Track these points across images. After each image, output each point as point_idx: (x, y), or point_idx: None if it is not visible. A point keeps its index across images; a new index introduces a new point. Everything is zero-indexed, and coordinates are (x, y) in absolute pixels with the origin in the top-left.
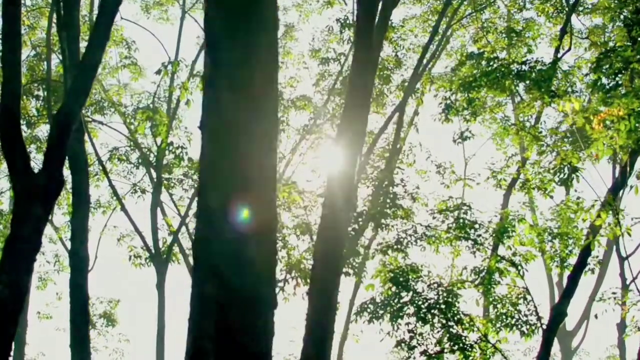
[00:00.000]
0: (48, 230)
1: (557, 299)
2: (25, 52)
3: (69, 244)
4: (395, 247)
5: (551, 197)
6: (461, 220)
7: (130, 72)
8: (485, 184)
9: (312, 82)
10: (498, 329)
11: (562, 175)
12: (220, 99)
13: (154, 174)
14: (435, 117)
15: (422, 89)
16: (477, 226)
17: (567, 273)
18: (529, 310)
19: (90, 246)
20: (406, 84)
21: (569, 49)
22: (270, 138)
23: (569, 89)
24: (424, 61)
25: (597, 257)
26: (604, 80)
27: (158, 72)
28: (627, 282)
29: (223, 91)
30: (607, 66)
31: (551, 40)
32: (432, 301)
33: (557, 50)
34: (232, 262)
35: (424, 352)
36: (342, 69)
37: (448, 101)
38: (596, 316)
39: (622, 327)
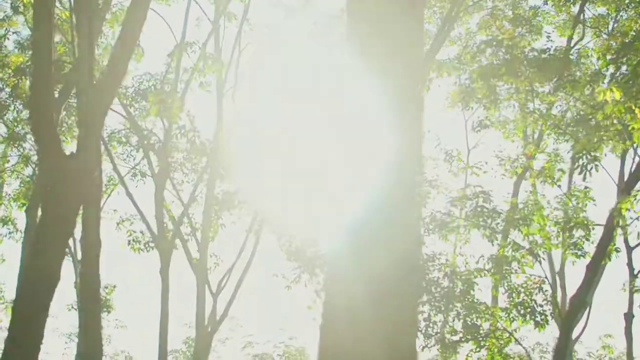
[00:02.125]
0: None
1: (559, 289)
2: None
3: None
4: None
5: (558, 185)
6: (479, 209)
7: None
8: (492, 172)
9: None
10: (513, 318)
11: (582, 163)
12: None
13: (152, 158)
14: (447, 104)
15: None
16: (495, 215)
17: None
18: (544, 300)
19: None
20: None
21: (582, 38)
22: None
23: (586, 77)
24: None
25: (614, 245)
26: (623, 69)
27: (170, 54)
28: (635, 272)
29: None
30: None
31: (557, 28)
32: (446, 289)
33: (569, 40)
34: None
35: (440, 341)
36: None
37: (468, 89)
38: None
39: (629, 317)
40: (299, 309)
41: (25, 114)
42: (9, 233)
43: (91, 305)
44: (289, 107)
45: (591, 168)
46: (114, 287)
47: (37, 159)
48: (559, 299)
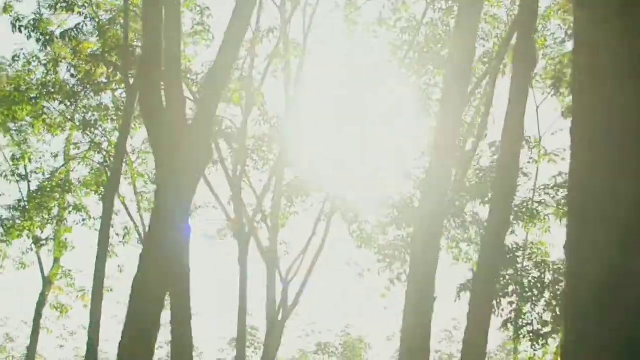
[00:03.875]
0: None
1: None
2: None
3: (136, 215)
4: None
5: None
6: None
7: (202, 39)
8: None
9: None
10: None
11: None
12: None
13: (223, 145)
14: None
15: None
16: None
17: None
18: None
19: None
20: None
21: None
22: None
23: None
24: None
25: None
26: None
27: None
28: None
29: None
30: None
31: None
32: (536, 279)
33: None
34: None
35: (534, 333)
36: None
37: (559, 73)
38: None
39: None
40: (367, 297)
41: (96, 100)
42: (82, 220)
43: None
44: (355, 92)
45: None
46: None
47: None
48: None
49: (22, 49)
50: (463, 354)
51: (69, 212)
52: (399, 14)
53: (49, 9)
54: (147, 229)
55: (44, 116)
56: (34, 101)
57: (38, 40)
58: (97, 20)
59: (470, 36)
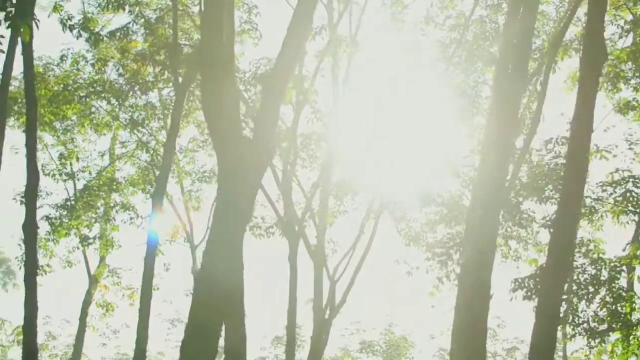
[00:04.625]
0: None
1: None
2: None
3: (184, 215)
4: None
5: None
6: (628, 194)
7: (249, 37)
8: (621, 156)
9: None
10: None
11: None
12: None
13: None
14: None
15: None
16: None
17: None
18: None
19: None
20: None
21: None
22: None
23: None
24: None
25: None
26: None
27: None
28: None
29: None
30: None
31: None
32: (592, 276)
33: None
34: None
35: (589, 330)
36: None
37: (616, 69)
38: None
39: None
40: (413, 296)
41: (143, 99)
42: (130, 219)
43: None
44: (403, 90)
45: None
46: None
47: (211, 142)
48: None
49: (68, 49)
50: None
51: (117, 211)
52: (446, 12)
53: (99, 8)
54: (193, 227)
55: (92, 115)
56: (83, 100)
57: (88, 40)
58: (145, 19)
59: (527, 33)
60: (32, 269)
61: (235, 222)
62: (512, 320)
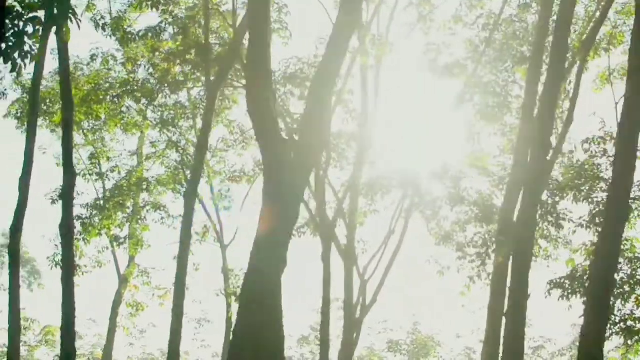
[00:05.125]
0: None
1: None
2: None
3: (214, 215)
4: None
5: None
6: None
7: (279, 37)
8: None
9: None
10: None
11: None
12: None
13: None
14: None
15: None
16: None
17: None
18: None
19: (229, 216)
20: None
21: None
22: None
23: None
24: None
25: None
26: None
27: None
28: None
29: None
30: None
31: None
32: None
33: None
34: None
35: (625, 329)
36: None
37: None
38: None
39: None
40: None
41: (173, 99)
42: (161, 219)
43: None
44: (432, 90)
45: None
46: None
47: (258, 141)
48: None
49: (97, 48)
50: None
51: (147, 211)
52: (475, 12)
53: (130, 7)
54: (222, 226)
55: (121, 115)
56: (116, 100)
57: (121, 39)
58: (178, 18)
59: (564, 32)
60: (69, 270)
61: (282, 222)
62: (538, 319)
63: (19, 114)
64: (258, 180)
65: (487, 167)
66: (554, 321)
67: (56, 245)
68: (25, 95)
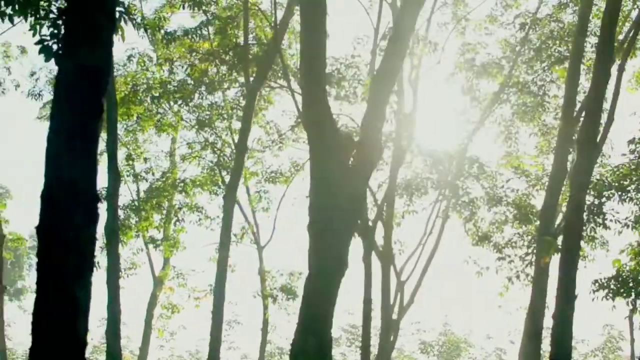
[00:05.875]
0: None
1: None
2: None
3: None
4: None
5: None
6: None
7: None
8: None
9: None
10: None
11: None
12: None
13: None
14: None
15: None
16: None
17: None
18: None
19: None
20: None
21: None
22: None
23: None
24: None
25: None
26: None
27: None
28: None
29: None
30: None
31: None
32: None
33: None
34: None
35: None
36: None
37: None
38: None
39: None
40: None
41: (209, 99)
42: (198, 220)
43: None
44: (468, 90)
45: None
46: (300, 274)
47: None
48: None
49: (133, 48)
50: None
51: (184, 212)
52: (510, 11)
53: (169, 7)
54: (259, 227)
55: (158, 115)
56: (156, 101)
57: (162, 39)
58: (217, 18)
59: (611, 32)
60: (116, 272)
61: (342, 224)
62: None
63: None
64: (294, 181)
65: (524, 167)
66: (587, 321)
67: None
68: None
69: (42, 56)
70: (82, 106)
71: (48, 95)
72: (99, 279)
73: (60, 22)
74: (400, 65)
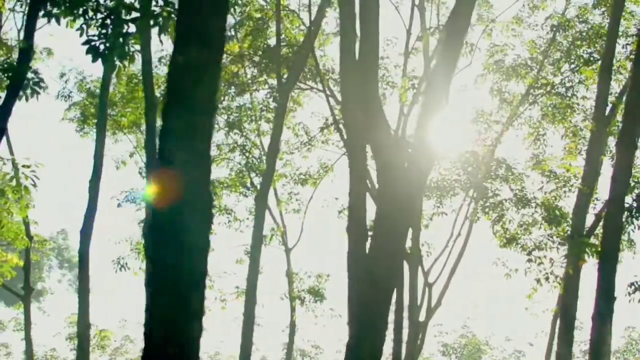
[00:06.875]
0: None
1: None
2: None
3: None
4: None
5: None
6: None
7: None
8: None
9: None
10: None
11: None
12: None
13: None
14: None
15: None
16: None
17: None
18: None
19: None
20: None
21: None
22: None
23: None
24: None
25: None
26: None
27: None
28: None
29: None
30: None
31: None
32: None
33: None
34: None
35: None
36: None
37: None
38: None
39: None
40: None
41: (237, 101)
42: (228, 222)
43: None
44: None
45: None
46: (328, 276)
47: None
48: None
49: (162, 50)
50: None
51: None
52: (537, 12)
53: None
54: (287, 229)
55: None
56: None
57: None
58: (249, 18)
59: None
60: None
61: (397, 225)
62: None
63: (79, 117)
64: (323, 183)
65: (552, 169)
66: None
67: (132, 250)
68: (88, 98)
69: (70, 57)
70: None
71: (77, 97)
72: (130, 280)
73: (108, 21)
74: (454, 68)
